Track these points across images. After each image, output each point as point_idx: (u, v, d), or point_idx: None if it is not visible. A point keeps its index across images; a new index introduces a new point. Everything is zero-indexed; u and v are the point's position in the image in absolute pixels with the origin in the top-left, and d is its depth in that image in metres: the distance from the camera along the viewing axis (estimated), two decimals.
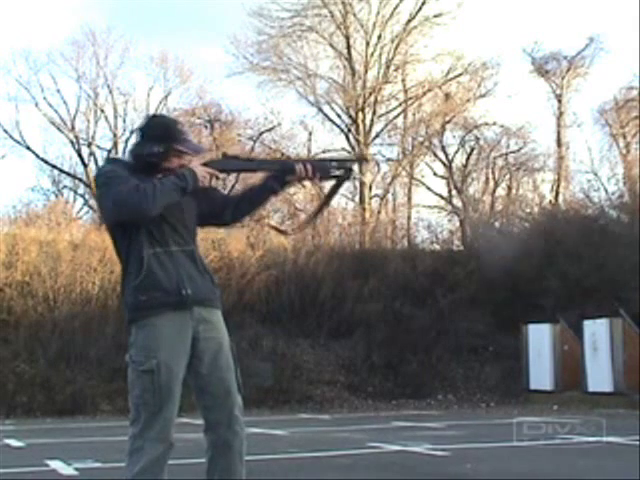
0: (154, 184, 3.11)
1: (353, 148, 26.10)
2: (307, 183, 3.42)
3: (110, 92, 26.03)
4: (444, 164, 26.78)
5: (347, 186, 25.96)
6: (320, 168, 3.34)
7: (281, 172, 3.33)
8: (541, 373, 15.40)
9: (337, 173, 3.37)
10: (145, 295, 3.11)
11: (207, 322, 3.20)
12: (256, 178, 3.51)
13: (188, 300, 3.14)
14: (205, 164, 3.31)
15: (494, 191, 26.79)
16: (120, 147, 25.98)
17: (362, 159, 3.69)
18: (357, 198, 25.64)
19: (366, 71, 26.18)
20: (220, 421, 3.17)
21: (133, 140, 3.39)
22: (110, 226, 3.25)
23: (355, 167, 3.50)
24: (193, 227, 3.33)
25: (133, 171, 3.19)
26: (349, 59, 26.26)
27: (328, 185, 3.52)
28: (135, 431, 3.08)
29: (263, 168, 3.44)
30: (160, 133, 3.21)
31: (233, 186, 19.17)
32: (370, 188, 25.50)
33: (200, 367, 3.17)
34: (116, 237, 3.24)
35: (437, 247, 21.25)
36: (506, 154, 27.20)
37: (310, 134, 26.88)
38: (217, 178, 3.35)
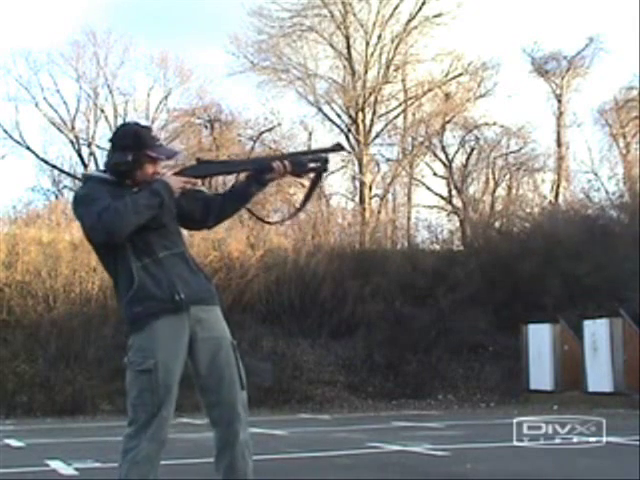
0: (125, 202, 3.08)
1: (353, 148, 26.10)
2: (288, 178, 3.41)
3: (110, 92, 26.09)
4: (444, 164, 26.77)
5: (347, 186, 25.99)
6: (296, 163, 3.34)
7: (259, 171, 3.32)
8: (541, 373, 15.39)
9: (313, 165, 3.37)
10: (140, 306, 3.13)
11: (204, 321, 3.21)
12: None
13: (182, 304, 3.16)
14: (179, 172, 3.28)
15: (494, 191, 26.77)
16: None
17: (337, 148, 3.63)
18: (357, 198, 25.66)
19: (366, 71, 26.19)
20: (222, 419, 3.19)
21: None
22: (94, 245, 3.25)
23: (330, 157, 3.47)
24: (177, 228, 3.32)
25: (109, 185, 3.17)
26: (349, 59, 26.26)
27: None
28: (131, 431, 3.10)
29: (239, 169, 3.44)
30: (129, 141, 3.19)
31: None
32: (370, 188, 25.50)
33: (199, 367, 3.20)
34: (102, 254, 3.25)
35: (437, 247, 21.24)
36: (506, 154, 27.19)
37: (310, 134, 26.91)
38: (194, 185, 3.33)
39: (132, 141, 3.19)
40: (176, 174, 3.27)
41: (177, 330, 3.16)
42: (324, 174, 3.51)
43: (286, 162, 3.30)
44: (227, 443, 3.18)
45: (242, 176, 3.40)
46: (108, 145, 3.31)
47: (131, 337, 3.18)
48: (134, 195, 3.13)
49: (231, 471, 3.17)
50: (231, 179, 3.47)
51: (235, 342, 3.29)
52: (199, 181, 3.34)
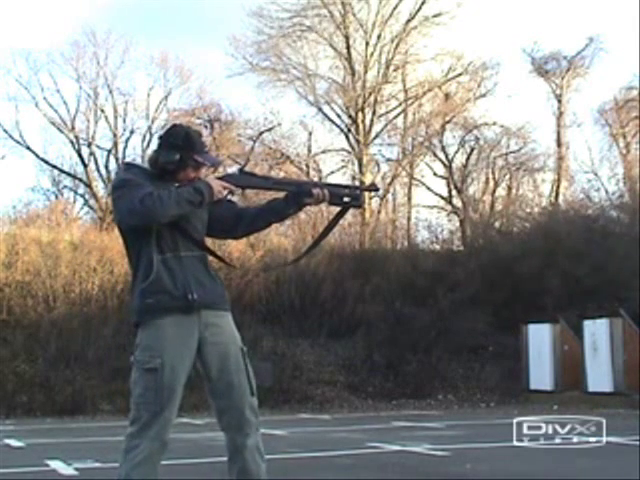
0: (169, 191, 3.15)
1: (353, 148, 26.11)
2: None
3: (110, 92, 26.04)
4: (444, 164, 26.78)
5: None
6: (335, 194, 3.41)
7: (298, 194, 3.37)
8: (541, 373, 15.40)
9: (347, 200, 3.44)
10: (151, 298, 3.15)
11: (215, 326, 3.23)
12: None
13: (194, 305, 3.18)
14: (221, 178, 3.34)
15: (494, 191, 26.80)
16: (120, 147, 26.01)
17: (372, 188, 3.74)
18: None
19: (366, 71, 26.19)
20: (231, 424, 3.21)
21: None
22: (123, 231, 3.28)
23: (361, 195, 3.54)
24: (203, 233, 3.38)
25: (150, 178, 3.23)
26: (349, 59, 26.26)
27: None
28: (133, 430, 3.11)
29: (279, 188, 3.47)
30: (180, 142, 3.25)
31: None
32: None
33: (209, 371, 3.22)
34: (128, 242, 3.29)
35: (437, 247, 21.25)
36: (506, 154, 27.20)
37: (310, 134, 26.93)
38: (233, 193, 3.39)
39: (182, 142, 3.25)
40: (218, 179, 3.32)
41: (186, 331, 3.17)
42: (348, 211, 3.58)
43: (325, 190, 3.37)
44: (237, 448, 3.20)
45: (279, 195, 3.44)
46: (156, 142, 3.36)
47: (139, 335, 3.19)
48: (178, 188, 3.20)
49: (243, 474, 3.20)
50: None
51: (245, 349, 3.30)
52: (239, 190, 3.40)
